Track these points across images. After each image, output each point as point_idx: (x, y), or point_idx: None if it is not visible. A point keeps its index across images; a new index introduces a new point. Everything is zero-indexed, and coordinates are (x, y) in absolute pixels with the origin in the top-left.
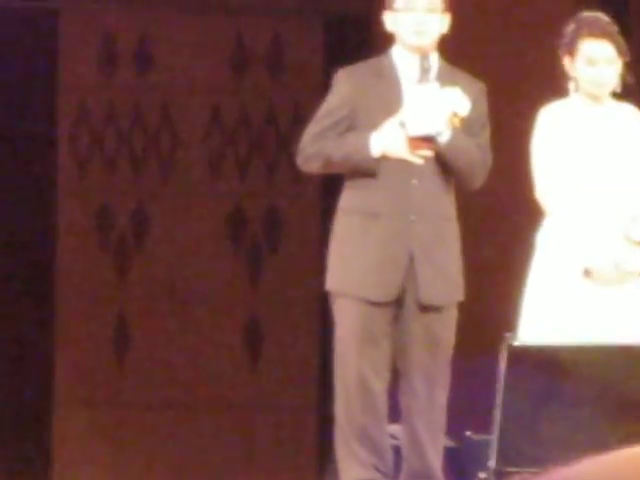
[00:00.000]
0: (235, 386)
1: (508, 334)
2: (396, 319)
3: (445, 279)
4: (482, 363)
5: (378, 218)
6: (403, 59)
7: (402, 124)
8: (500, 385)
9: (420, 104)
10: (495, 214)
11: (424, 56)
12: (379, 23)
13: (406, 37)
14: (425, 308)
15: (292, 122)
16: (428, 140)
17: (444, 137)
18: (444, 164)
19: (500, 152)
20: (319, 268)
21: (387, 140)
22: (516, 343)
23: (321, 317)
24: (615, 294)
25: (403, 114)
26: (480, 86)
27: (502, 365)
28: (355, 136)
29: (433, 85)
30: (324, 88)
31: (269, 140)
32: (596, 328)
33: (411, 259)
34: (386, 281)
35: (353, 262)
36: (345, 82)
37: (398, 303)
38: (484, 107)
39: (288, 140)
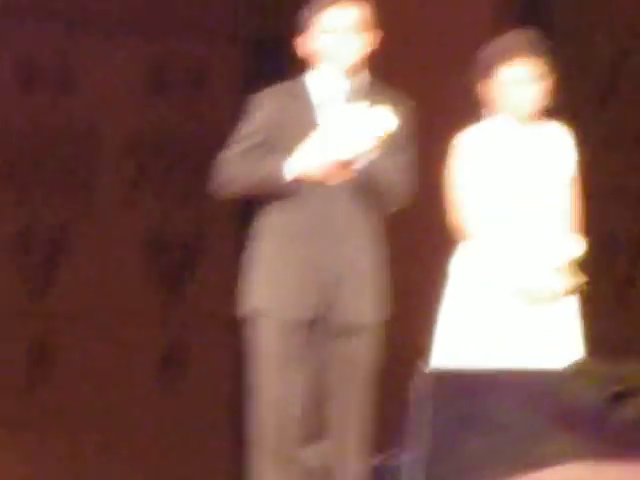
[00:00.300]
0: (151, 408)
1: (421, 360)
2: (316, 340)
3: (364, 300)
4: (400, 387)
5: (298, 240)
6: (321, 80)
7: (318, 146)
8: (413, 410)
9: (343, 127)
10: (420, 235)
11: (348, 76)
12: (296, 45)
13: (329, 58)
14: (346, 328)
15: (209, 146)
16: (348, 164)
17: (365, 160)
18: (364, 185)
19: (425, 174)
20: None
21: (302, 163)
22: (429, 368)
23: (240, 339)
24: (543, 314)
25: (319, 136)
26: (409, 104)
27: (414, 390)
28: (270, 160)
29: (359, 106)
30: (242, 112)
31: (186, 164)
32: (522, 348)
33: (331, 280)
34: (306, 303)
35: (272, 284)
36: (261, 106)
37: (318, 324)
38: (412, 126)
39: (205, 164)
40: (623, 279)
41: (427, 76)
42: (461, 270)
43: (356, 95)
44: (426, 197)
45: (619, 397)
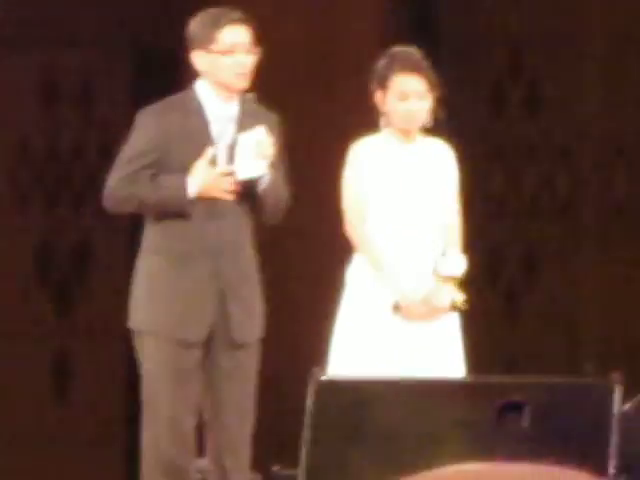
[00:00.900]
0: (42, 419)
1: (316, 368)
2: (205, 357)
3: (252, 316)
4: (294, 397)
5: (188, 258)
6: (212, 97)
7: (211, 163)
8: (307, 419)
9: (246, 147)
10: (305, 249)
11: (245, 97)
12: (187, 58)
13: (227, 79)
14: (236, 345)
15: (100, 156)
16: (251, 183)
17: (265, 178)
18: (252, 202)
19: (311, 187)
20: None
21: (200, 181)
22: (323, 377)
23: (129, 352)
24: (424, 329)
25: (213, 153)
26: (276, 118)
27: (309, 399)
28: (170, 179)
29: (259, 128)
30: (131, 122)
31: (77, 173)
32: (405, 363)
33: (221, 298)
34: (197, 320)
35: (163, 301)
36: (152, 124)
37: (208, 341)
38: (282, 139)
39: (96, 174)
40: (507, 294)
41: (315, 90)
42: (356, 280)
43: (243, 111)
44: (320, 207)
45: (507, 409)
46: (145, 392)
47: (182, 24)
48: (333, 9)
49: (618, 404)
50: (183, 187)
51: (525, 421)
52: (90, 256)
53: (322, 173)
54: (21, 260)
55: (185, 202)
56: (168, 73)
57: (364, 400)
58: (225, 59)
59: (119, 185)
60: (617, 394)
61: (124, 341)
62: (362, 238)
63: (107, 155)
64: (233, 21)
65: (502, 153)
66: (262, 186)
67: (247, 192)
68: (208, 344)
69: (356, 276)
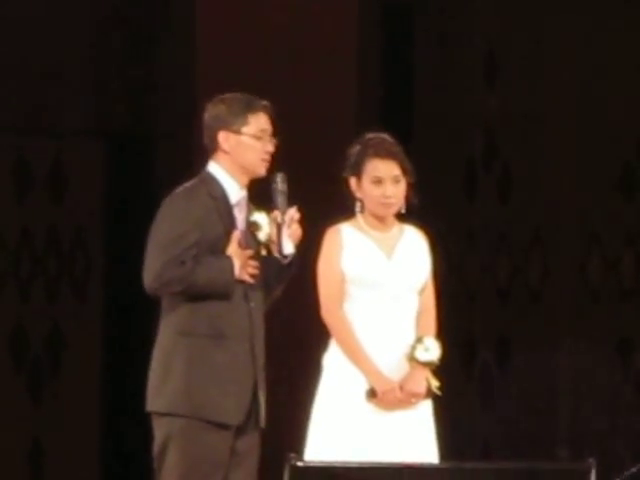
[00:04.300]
0: None
1: (292, 454)
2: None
3: (264, 401)
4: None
5: (226, 341)
6: (230, 181)
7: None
8: None
9: (285, 225)
10: (283, 334)
11: (277, 178)
12: (167, 144)
13: (252, 162)
14: (258, 431)
15: (73, 243)
16: (289, 260)
17: (293, 256)
18: (271, 284)
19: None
20: (101, 389)
21: (235, 264)
22: (298, 462)
23: (102, 437)
24: (399, 415)
25: (239, 236)
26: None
27: None
28: (217, 261)
29: (291, 208)
30: (105, 209)
31: (51, 261)
32: (382, 449)
33: (254, 381)
34: (236, 404)
35: (203, 384)
36: (185, 207)
37: (238, 426)
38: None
39: (69, 261)
40: (482, 378)
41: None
42: (333, 366)
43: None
44: (297, 293)
45: None
46: (174, 477)
47: (159, 112)
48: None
49: None
50: (231, 269)
51: None
52: (63, 343)
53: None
54: None
55: (232, 283)
56: (143, 161)
57: None
58: (254, 143)
59: (167, 267)
60: (593, 479)
61: (97, 427)
62: (337, 324)
63: (80, 243)
64: (265, 108)
65: (475, 239)
66: (292, 264)
67: (281, 269)
68: (239, 430)
69: (333, 362)
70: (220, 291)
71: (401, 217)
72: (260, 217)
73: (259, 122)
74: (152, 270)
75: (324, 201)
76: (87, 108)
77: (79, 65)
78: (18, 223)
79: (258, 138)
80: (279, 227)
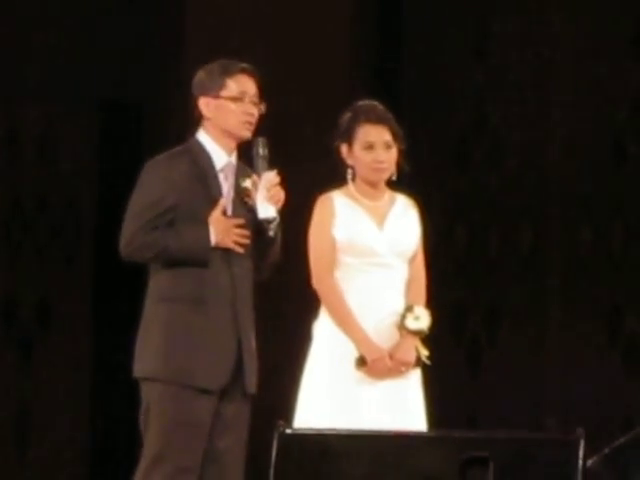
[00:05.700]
0: (4, 476)
1: (280, 422)
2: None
3: (256, 368)
4: (262, 450)
5: (206, 306)
6: (216, 147)
7: (225, 213)
8: (272, 472)
9: (263, 189)
10: (272, 303)
11: (258, 143)
12: (158, 112)
13: (233, 126)
14: (244, 396)
15: (65, 209)
16: (266, 224)
17: (276, 222)
18: (261, 248)
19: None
20: (89, 356)
21: (217, 231)
22: (287, 430)
23: (92, 405)
24: (391, 383)
25: (224, 204)
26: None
27: (274, 452)
28: (192, 228)
29: (272, 172)
30: (98, 174)
31: (41, 227)
32: (371, 416)
33: (238, 346)
34: (218, 368)
35: (183, 348)
36: (161, 173)
37: (223, 391)
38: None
39: (60, 227)
40: (471, 348)
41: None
42: (323, 334)
43: (240, 161)
44: (287, 260)
45: (471, 464)
46: (154, 442)
47: (150, 79)
48: (300, 64)
49: (582, 459)
50: (206, 236)
51: (489, 476)
52: (52, 311)
53: (289, 227)
54: None
55: (207, 251)
56: (136, 126)
57: (328, 453)
58: (233, 106)
59: (139, 233)
60: (581, 449)
61: (87, 394)
62: (328, 292)
63: (71, 209)
64: (244, 71)
65: (464, 207)
66: (273, 230)
67: (260, 234)
68: (223, 394)
69: (323, 330)
70: (195, 258)
71: (392, 186)
72: (249, 183)
73: (238, 84)
74: (125, 235)
75: (316, 170)
76: (77, 76)
77: (71, 33)
78: (9, 191)
79: (236, 100)
80: (252, 191)
